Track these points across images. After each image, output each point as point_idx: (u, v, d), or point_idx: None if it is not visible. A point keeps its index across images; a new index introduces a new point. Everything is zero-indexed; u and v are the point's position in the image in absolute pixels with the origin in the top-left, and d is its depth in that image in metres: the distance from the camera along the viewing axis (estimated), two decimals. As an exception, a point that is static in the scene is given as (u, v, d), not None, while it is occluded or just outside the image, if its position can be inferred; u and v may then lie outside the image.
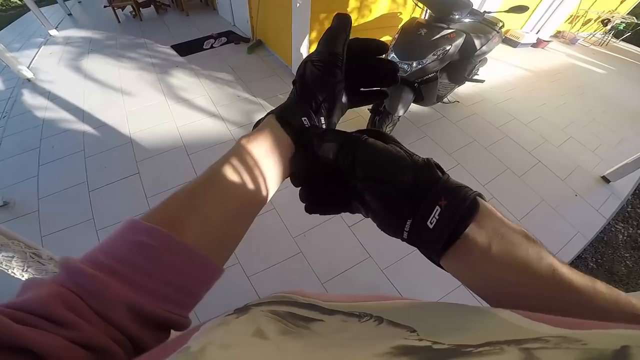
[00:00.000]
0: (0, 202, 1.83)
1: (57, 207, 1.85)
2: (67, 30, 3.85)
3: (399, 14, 3.19)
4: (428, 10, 2.86)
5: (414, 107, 2.54)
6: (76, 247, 1.61)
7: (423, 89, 2.07)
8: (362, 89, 0.36)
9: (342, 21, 0.32)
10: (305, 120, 0.31)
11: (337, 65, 0.31)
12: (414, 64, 1.86)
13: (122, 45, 3.30)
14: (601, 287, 0.21)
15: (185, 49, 3.31)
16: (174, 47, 3.31)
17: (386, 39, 3.33)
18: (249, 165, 0.29)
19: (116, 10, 3.78)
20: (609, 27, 5.79)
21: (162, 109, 2.52)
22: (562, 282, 0.21)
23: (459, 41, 1.93)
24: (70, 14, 4.48)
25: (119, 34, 3.54)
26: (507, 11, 2.07)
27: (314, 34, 2.75)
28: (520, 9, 2.05)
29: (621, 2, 5.98)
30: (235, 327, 0.20)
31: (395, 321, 0.20)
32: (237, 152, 0.29)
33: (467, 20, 2.01)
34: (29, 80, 2.99)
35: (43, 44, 3.54)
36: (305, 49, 2.79)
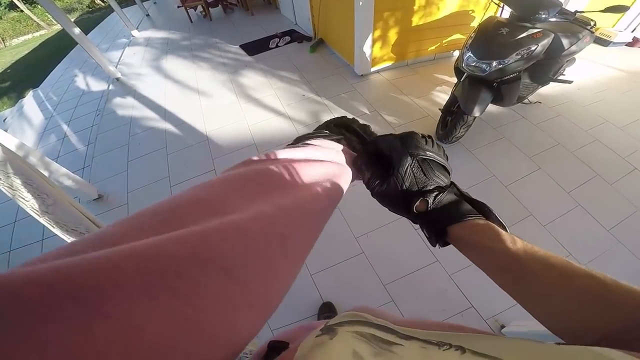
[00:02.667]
0: (95, 195, 2.15)
1: (143, 200, 2.13)
2: (147, 31, 4.36)
3: (470, 12, 3.12)
4: (505, 8, 2.77)
5: (490, 107, 2.48)
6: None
7: (503, 89, 2.02)
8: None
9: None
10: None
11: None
12: (494, 64, 1.83)
13: (196, 45, 3.65)
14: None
15: (253, 48, 3.56)
16: (242, 46, 3.59)
17: (456, 37, 3.27)
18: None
19: (188, 10, 4.18)
20: None
21: (235, 108, 2.77)
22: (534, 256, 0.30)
23: (546, 41, 1.87)
24: (148, 15, 5.05)
25: (193, 34, 3.93)
26: (604, 11, 1.94)
27: (377, 33, 2.80)
28: (618, 9, 1.90)
29: None
30: (333, 349, 0.23)
31: (480, 352, 0.21)
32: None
33: (554, 19, 1.94)
34: (117, 79, 3.44)
35: (127, 45, 4.05)
36: (368, 48, 2.84)
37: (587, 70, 3.46)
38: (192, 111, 2.76)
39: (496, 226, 0.35)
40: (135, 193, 2.17)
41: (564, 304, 0.28)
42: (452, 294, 1.62)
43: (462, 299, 1.61)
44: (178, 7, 4.11)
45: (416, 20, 2.91)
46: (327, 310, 1.53)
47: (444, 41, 3.30)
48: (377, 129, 2.01)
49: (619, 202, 2.12)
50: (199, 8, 4.29)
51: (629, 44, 4.37)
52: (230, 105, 2.80)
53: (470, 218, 0.35)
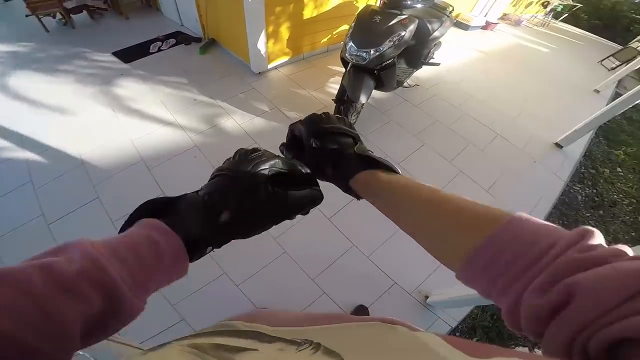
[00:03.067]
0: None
1: (17, 246, 1.72)
2: (-18, 46, 3.51)
3: (354, 2, 3.29)
4: None
5: (376, 93, 2.66)
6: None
7: (383, 75, 2.17)
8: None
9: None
10: None
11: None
12: (372, 52, 1.95)
13: (54, 57, 3.08)
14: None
15: (130, 54, 3.17)
16: (115, 54, 3.16)
17: (344, 28, 3.43)
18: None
19: (41, 19, 3.50)
20: (548, 9, 6.47)
21: (111, 123, 2.42)
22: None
23: (413, 26, 2.05)
24: (-16, 26, 4.08)
25: (50, 45, 3.30)
26: None
27: (270, 28, 2.75)
28: None
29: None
30: None
31: (330, 348, 0.22)
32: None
33: (418, 5, 2.14)
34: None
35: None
36: (263, 44, 2.79)
37: (452, 53, 4.01)
38: (58, 133, 2.31)
39: (378, 172, 0.41)
40: (5, 238, 1.74)
41: (431, 228, 0.33)
42: (375, 275, 1.71)
43: (384, 277, 1.71)
44: (27, 15, 3.40)
45: (308, 13, 2.95)
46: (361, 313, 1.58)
47: (334, 32, 3.43)
48: (278, 126, 1.99)
49: (490, 164, 2.50)
50: (58, 15, 3.62)
51: (483, 27, 5.22)
52: (106, 120, 2.43)
53: (360, 173, 0.41)
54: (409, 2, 2.03)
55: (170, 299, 1.53)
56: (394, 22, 1.97)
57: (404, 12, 2.03)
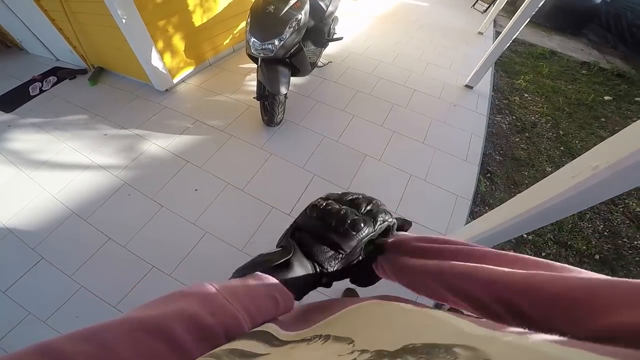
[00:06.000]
0: None
1: None
2: None
3: (244, -2, 3.31)
4: None
5: (295, 80, 2.78)
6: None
7: (295, 61, 2.26)
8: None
9: None
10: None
11: None
12: (276, 42, 2.00)
13: None
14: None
15: (8, 102, 2.79)
16: (-11, 106, 2.75)
17: (243, 25, 3.44)
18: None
19: None
20: None
21: (22, 182, 2.16)
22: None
23: (306, 7, 2.14)
24: None
25: None
26: None
27: (160, 44, 2.65)
28: None
29: None
30: None
31: (339, 335, 0.25)
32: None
33: None
34: None
35: None
36: (158, 60, 2.68)
37: (351, 24, 4.33)
38: None
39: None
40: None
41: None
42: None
43: None
44: None
45: (198, 19, 2.89)
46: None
47: (235, 32, 3.44)
48: (206, 138, 1.96)
49: (418, 118, 2.82)
50: None
51: None
52: (14, 181, 2.16)
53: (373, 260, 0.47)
54: None
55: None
56: (287, 8, 2.02)
57: None
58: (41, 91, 2.95)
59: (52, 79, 3.10)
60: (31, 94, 2.90)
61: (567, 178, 0.83)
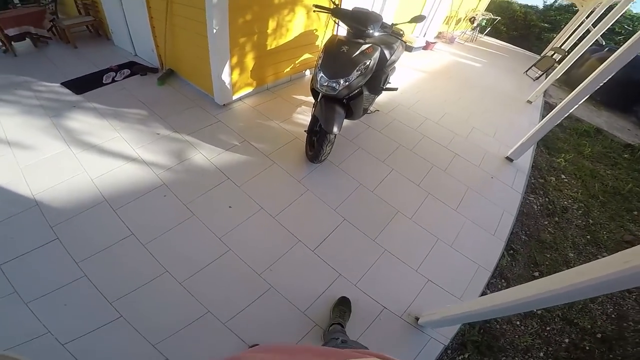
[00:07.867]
0: None
1: None
2: None
3: (314, 31, 3.57)
4: (341, 25, 3.30)
5: (345, 122, 2.88)
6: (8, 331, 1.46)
7: (352, 104, 2.36)
8: None
9: None
10: None
11: None
12: (342, 82, 2.09)
13: (-8, 87, 2.91)
14: None
15: (81, 85, 3.10)
16: (65, 84, 3.07)
17: (306, 57, 3.69)
18: None
19: (-24, 47, 3.32)
20: (475, 24, 7.71)
21: (67, 159, 2.33)
22: None
23: (376, 54, 2.26)
24: None
25: (-13, 74, 3.11)
26: (410, 21, 2.43)
27: (234, 59, 2.86)
28: (420, 18, 2.43)
29: (480, 0, 7.89)
30: None
31: None
32: None
33: (377, 33, 2.29)
34: None
35: None
36: (227, 75, 2.87)
37: (403, 76, 4.49)
38: (5, 170, 2.18)
39: None
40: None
41: None
42: (363, 303, 1.82)
43: (373, 304, 1.83)
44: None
45: (271, 43, 3.12)
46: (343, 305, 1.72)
47: (296, 62, 3.67)
48: (250, 159, 2.05)
49: (454, 184, 2.81)
50: (-1, 42, 3.45)
51: (424, 48, 5.96)
52: (60, 156, 2.33)
53: None
54: (370, 31, 2.18)
55: (150, 338, 1.49)
56: (359, 51, 2.14)
57: (367, 41, 2.22)
58: (113, 81, 3.26)
59: (126, 71, 3.42)
60: (103, 82, 3.21)
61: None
